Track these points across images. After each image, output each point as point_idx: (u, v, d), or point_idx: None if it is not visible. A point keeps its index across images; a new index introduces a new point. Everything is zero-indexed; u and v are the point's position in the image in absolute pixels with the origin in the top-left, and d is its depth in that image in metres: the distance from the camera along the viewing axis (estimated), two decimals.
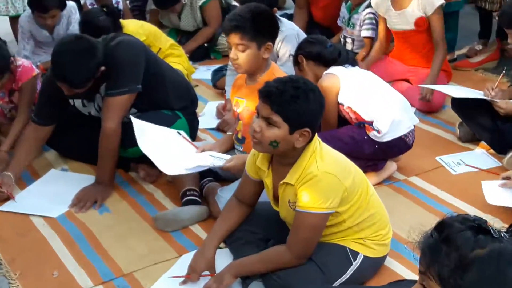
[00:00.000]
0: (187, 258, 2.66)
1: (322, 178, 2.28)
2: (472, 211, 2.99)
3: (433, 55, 4.18)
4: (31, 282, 2.63)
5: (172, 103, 3.40)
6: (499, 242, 1.38)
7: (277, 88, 2.24)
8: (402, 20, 4.21)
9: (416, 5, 4.11)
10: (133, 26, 4.29)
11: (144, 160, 3.33)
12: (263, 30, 2.84)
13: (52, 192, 3.26)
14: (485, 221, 1.45)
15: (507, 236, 1.40)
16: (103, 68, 3.05)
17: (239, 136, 3.07)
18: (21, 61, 3.50)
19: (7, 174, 3.20)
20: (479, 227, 1.41)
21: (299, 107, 2.23)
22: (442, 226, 1.43)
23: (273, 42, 2.93)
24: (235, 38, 2.81)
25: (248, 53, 2.82)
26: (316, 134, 2.36)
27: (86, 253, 2.80)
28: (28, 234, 2.95)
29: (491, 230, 1.41)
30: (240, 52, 2.82)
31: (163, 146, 2.98)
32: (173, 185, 3.22)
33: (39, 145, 3.41)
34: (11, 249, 2.83)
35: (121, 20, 4.34)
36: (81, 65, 2.98)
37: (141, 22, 4.57)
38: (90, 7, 4.95)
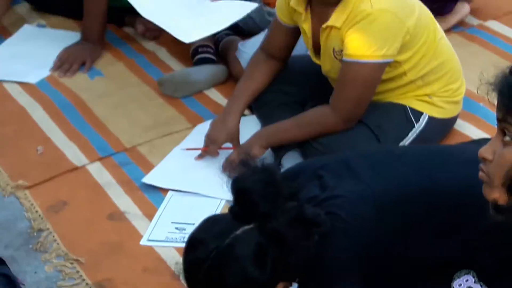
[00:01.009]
0: (203, 128, 2.66)
1: (377, 17, 2.20)
2: None
3: None
4: (10, 160, 2.65)
5: None
6: None
7: None
8: None
9: None
10: None
11: None
12: None
13: (28, 53, 3.23)
14: None
15: None
16: None
17: None
18: None
19: None
20: None
21: None
22: None
23: None
24: None
25: None
26: None
27: (76, 125, 2.81)
28: (2, 104, 2.95)
29: None
30: None
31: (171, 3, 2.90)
32: (181, 42, 3.14)
33: None
34: None
35: None
36: None
37: None
38: None
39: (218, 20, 2.78)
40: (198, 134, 2.65)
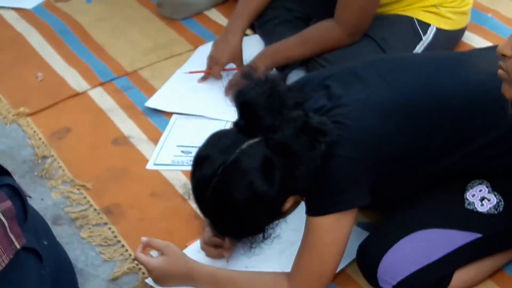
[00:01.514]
0: (205, 49, 2.61)
1: None
2: None
3: None
4: (10, 88, 2.63)
5: None
6: None
7: None
8: None
9: None
10: None
11: None
12: None
13: None
14: None
15: None
16: None
17: None
18: None
19: None
20: None
21: None
22: None
23: None
24: None
25: None
26: None
27: (75, 51, 2.77)
28: None
29: None
30: None
31: None
32: None
33: None
34: None
35: None
36: None
37: None
38: None
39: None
40: (200, 56, 2.60)
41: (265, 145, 1.50)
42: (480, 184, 1.72)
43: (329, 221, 1.61)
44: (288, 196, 1.56)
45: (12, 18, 2.95)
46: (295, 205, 1.62)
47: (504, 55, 1.36)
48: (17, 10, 2.99)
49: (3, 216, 1.35)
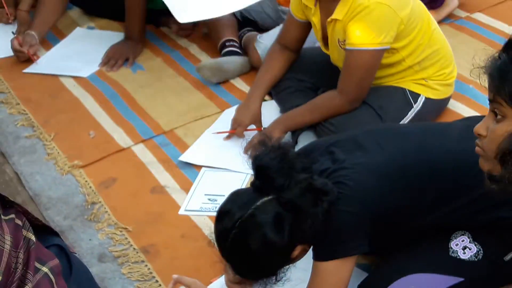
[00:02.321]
0: (229, 113, 2.59)
1: (373, 8, 2.11)
2: None
3: None
4: (67, 143, 2.60)
5: None
6: None
7: None
8: None
9: None
10: None
11: None
12: None
13: (80, 52, 3.16)
14: None
15: None
16: None
17: None
18: None
19: (30, 33, 3.08)
20: None
21: None
22: (510, 46, 1.32)
23: None
24: None
25: None
26: None
27: (122, 112, 2.75)
28: (59, 95, 2.89)
29: None
30: None
31: None
32: (210, 38, 3.09)
33: (63, 3, 3.25)
34: (43, 111, 2.79)
35: None
36: None
37: None
38: None
39: (222, 6, 2.68)
40: (226, 118, 2.58)
41: (276, 202, 1.50)
42: (463, 235, 1.70)
43: (333, 266, 1.60)
44: (296, 245, 1.54)
45: (70, 85, 2.95)
46: (303, 252, 1.60)
47: (479, 135, 1.35)
48: (75, 78, 2.98)
49: (51, 273, 1.34)
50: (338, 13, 2.18)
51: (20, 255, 1.29)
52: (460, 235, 1.70)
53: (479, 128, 1.35)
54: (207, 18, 2.78)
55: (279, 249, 1.51)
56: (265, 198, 1.51)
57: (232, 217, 1.50)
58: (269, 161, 1.52)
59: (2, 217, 1.30)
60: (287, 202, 1.49)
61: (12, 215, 1.34)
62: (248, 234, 1.49)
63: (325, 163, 1.66)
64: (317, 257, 1.62)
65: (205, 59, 3.00)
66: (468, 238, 1.69)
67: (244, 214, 1.49)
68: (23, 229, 1.35)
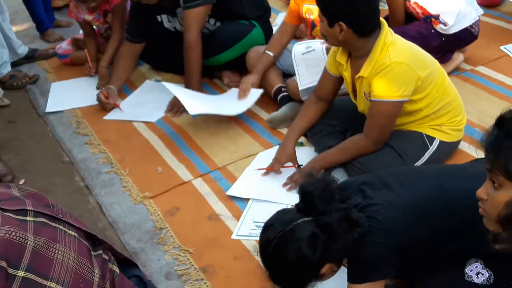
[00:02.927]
0: (272, 151, 2.59)
1: (394, 67, 2.08)
2: None
3: None
4: (139, 178, 2.61)
5: (248, 13, 3.19)
6: None
7: None
8: None
9: None
10: None
11: (227, 67, 3.23)
12: None
13: (149, 101, 3.20)
14: None
15: None
16: None
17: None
18: None
19: (111, 87, 3.14)
20: None
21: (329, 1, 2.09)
22: (502, 122, 1.26)
23: None
24: None
25: None
26: (387, 27, 2.15)
27: (184, 152, 2.75)
28: (132, 137, 2.92)
29: None
30: None
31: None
32: (262, 86, 2.99)
33: (134, 60, 3.31)
34: (120, 150, 2.82)
35: None
36: None
37: None
38: None
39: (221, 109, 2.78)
40: (267, 156, 2.57)
41: (315, 223, 1.49)
42: (476, 262, 1.63)
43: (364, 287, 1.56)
44: (325, 263, 1.52)
45: (141, 128, 2.97)
46: (331, 272, 1.57)
47: (481, 198, 1.29)
48: (145, 122, 3.01)
49: None
50: (364, 71, 2.16)
51: (106, 285, 1.28)
52: (474, 262, 1.63)
53: (480, 193, 1.30)
54: (210, 113, 2.80)
55: (311, 262, 1.49)
56: (306, 218, 1.50)
57: (275, 230, 1.50)
58: (313, 189, 1.53)
59: (92, 253, 1.29)
60: (324, 224, 1.48)
61: (100, 251, 1.34)
62: (286, 245, 1.48)
63: (357, 199, 1.64)
64: (351, 279, 1.60)
65: (273, 112, 2.90)
66: (481, 264, 1.62)
67: (285, 229, 1.49)
68: (109, 263, 1.34)
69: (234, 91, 2.96)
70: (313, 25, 2.86)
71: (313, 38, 2.88)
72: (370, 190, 1.66)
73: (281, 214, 1.57)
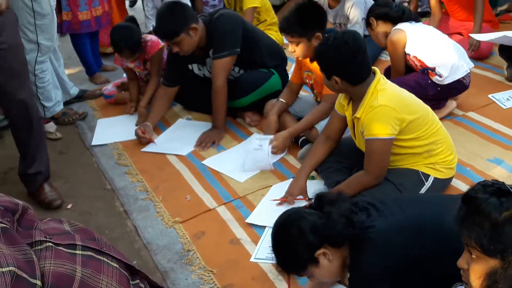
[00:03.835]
0: (277, 186, 2.61)
1: (380, 109, 2.11)
2: None
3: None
4: (170, 205, 2.62)
5: (267, 62, 3.25)
6: None
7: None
8: None
9: None
10: None
11: (249, 108, 3.27)
12: (309, 26, 2.63)
13: (181, 136, 3.23)
14: (502, 183, 1.25)
15: None
16: (193, 25, 2.90)
17: (318, 100, 2.93)
18: (149, 37, 3.44)
19: (147, 124, 3.19)
20: (499, 190, 1.21)
21: (325, 59, 2.19)
22: (468, 200, 1.22)
23: (322, 31, 2.66)
24: (287, 37, 2.70)
25: (301, 46, 2.68)
26: (379, 75, 2.18)
27: (210, 182, 2.76)
28: (165, 168, 2.94)
29: (510, 189, 1.21)
30: (295, 46, 2.69)
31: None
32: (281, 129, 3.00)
33: (169, 101, 3.37)
34: (154, 180, 2.84)
35: None
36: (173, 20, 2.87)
37: None
38: None
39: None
40: (281, 188, 2.57)
41: (319, 216, 1.61)
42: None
43: None
44: (321, 245, 1.60)
45: (173, 160, 2.99)
46: (327, 262, 1.62)
47: (462, 268, 1.25)
48: (177, 155, 3.03)
49: None
50: (358, 113, 2.19)
51: None
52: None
53: (460, 263, 1.26)
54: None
55: (308, 240, 1.58)
56: (313, 211, 1.64)
57: (285, 214, 1.69)
58: (326, 193, 1.74)
59: (131, 282, 1.30)
60: (327, 212, 1.61)
61: (137, 280, 1.33)
62: (291, 223, 1.62)
63: (362, 216, 1.68)
64: None
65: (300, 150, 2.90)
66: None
67: (294, 213, 1.66)
68: None
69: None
70: (312, 87, 2.94)
71: (316, 97, 2.95)
72: (373, 210, 1.69)
73: (295, 208, 1.73)
